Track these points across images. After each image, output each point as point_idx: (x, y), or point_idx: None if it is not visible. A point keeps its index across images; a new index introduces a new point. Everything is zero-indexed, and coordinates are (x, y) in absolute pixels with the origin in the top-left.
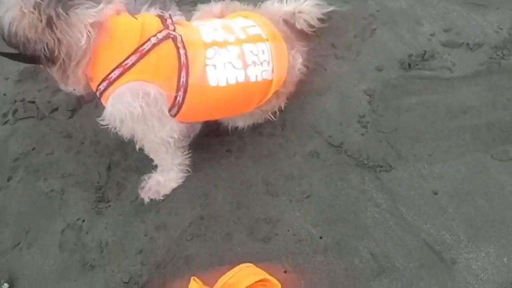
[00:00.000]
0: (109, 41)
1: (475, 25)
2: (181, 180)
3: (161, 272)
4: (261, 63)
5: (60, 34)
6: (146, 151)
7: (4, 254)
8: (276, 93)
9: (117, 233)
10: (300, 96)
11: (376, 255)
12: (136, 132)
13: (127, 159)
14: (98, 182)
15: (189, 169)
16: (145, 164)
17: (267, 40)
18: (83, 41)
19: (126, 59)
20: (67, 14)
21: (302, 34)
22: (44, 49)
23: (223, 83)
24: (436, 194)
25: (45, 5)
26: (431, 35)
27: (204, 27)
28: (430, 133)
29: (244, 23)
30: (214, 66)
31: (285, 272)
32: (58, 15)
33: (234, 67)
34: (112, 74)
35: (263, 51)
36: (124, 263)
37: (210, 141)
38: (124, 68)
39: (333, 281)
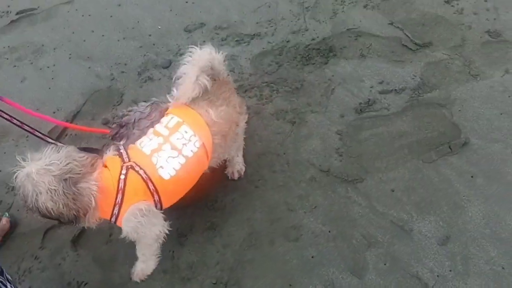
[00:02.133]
0: (102, 192)
1: (398, 76)
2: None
3: (234, 273)
4: (189, 139)
5: (80, 204)
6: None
7: (124, 284)
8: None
9: (198, 255)
10: (294, 142)
11: (365, 235)
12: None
13: (189, 206)
14: (175, 225)
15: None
16: (203, 208)
17: (183, 122)
18: (93, 203)
19: (116, 198)
20: (78, 190)
21: (287, 96)
22: (74, 215)
23: (173, 173)
24: (393, 191)
25: (64, 189)
26: (371, 87)
27: (143, 143)
28: (383, 153)
29: (166, 120)
30: (161, 167)
31: None
32: (75, 194)
33: (173, 157)
34: (114, 211)
35: (185, 131)
36: (209, 273)
37: (242, 183)
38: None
39: (342, 256)
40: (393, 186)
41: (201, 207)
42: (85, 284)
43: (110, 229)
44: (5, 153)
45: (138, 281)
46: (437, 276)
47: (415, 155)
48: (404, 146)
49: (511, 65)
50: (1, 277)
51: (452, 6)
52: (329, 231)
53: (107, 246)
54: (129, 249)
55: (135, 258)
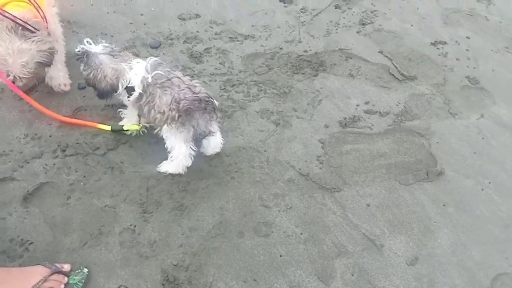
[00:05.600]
0: None
1: (384, 100)
2: None
3: (197, 259)
4: None
5: None
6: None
7: (76, 250)
8: None
9: (162, 234)
10: (276, 142)
11: (336, 244)
12: None
13: (159, 184)
14: (141, 200)
15: (207, 191)
16: (173, 188)
17: None
18: None
19: None
20: None
21: (274, 98)
22: None
23: None
24: (368, 205)
25: None
26: (357, 105)
27: None
28: (362, 168)
29: None
30: None
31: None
32: None
33: None
34: None
35: None
36: (170, 253)
37: (218, 172)
38: None
39: (311, 260)
40: (369, 201)
41: (172, 186)
42: (31, 243)
43: (69, 191)
44: None
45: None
46: None
47: (392, 176)
48: (382, 165)
49: (485, 110)
50: None
51: (438, 48)
52: (301, 233)
53: (63, 209)
54: (83, 216)
55: (90, 232)
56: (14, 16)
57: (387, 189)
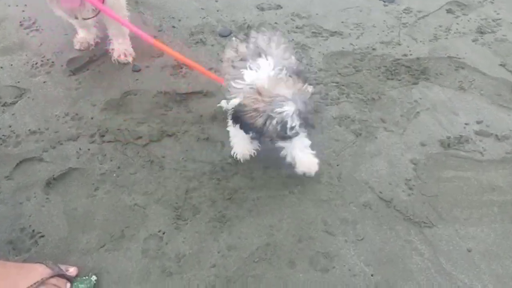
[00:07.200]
0: None
1: (502, 121)
2: None
3: (231, 285)
4: None
5: None
6: None
7: (90, 252)
8: None
9: (193, 247)
10: (354, 156)
11: None
12: None
13: (202, 187)
14: (177, 203)
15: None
16: (217, 195)
17: None
18: None
19: None
20: None
21: (359, 104)
22: None
23: None
24: (470, 251)
25: None
26: (465, 124)
27: None
28: (465, 202)
29: None
30: None
31: None
32: None
33: None
34: None
35: None
36: (199, 273)
37: (275, 183)
38: None
39: None
40: (471, 245)
41: (216, 192)
42: (42, 236)
43: (99, 182)
44: (12, 65)
45: None
46: None
47: (507, 217)
48: (494, 202)
49: None
50: None
51: None
52: (372, 275)
53: (87, 201)
54: (108, 213)
55: (111, 232)
56: None
57: (498, 233)
